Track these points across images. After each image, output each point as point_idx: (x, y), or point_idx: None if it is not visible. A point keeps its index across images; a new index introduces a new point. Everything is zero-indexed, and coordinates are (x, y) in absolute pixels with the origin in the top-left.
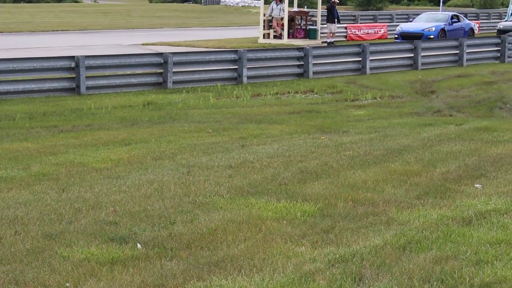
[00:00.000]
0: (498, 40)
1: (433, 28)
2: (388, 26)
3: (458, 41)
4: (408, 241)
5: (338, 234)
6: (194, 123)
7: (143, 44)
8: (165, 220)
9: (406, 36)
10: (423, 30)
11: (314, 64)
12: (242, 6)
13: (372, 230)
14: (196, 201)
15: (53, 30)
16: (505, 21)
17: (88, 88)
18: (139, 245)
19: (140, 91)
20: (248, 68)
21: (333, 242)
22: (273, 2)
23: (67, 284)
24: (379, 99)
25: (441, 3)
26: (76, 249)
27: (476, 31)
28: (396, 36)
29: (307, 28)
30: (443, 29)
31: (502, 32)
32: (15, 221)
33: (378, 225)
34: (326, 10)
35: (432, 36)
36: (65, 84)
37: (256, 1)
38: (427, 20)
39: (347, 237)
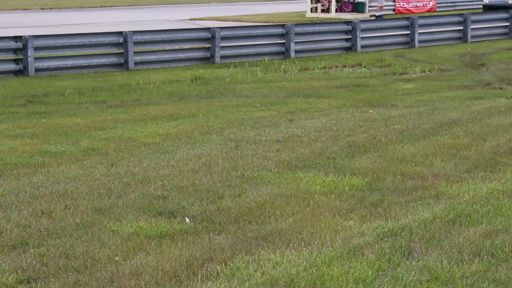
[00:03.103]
0: None
1: None
2: None
3: (509, 13)
4: (457, 215)
5: (386, 208)
6: (241, 98)
7: (190, 19)
8: (213, 195)
9: None
10: None
11: (362, 38)
12: None
13: (421, 204)
14: (244, 175)
15: (101, 6)
16: None
17: (136, 63)
18: (187, 219)
19: (188, 66)
20: (295, 42)
21: (382, 216)
22: None
23: (116, 258)
24: (428, 72)
25: None
26: (125, 223)
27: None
28: None
29: (355, 1)
30: None
31: (488, 8)
32: (65, 195)
33: (427, 199)
34: None
35: None
36: (114, 60)
37: None
38: None
39: (395, 211)
